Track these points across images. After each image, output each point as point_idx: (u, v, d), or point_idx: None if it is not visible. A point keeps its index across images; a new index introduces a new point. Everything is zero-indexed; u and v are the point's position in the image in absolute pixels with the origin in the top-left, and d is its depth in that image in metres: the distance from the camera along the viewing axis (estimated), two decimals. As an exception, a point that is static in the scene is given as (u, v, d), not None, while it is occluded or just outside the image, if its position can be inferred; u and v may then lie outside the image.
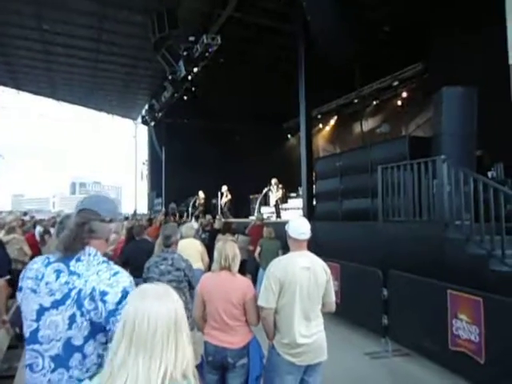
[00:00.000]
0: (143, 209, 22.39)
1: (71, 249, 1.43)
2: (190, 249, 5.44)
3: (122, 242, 6.08)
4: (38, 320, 1.39)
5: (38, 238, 8.50)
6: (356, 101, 15.64)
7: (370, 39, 11.13)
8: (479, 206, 4.76)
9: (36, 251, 6.60)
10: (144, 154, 22.83)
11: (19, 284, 1.48)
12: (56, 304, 1.39)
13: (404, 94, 13.99)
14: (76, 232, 1.44)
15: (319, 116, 17.70)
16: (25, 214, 15.65)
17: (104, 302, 1.37)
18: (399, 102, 14.31)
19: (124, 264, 4.37)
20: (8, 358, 4.40)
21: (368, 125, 15.64)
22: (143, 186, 23.20)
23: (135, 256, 4.83)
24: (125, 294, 1.39)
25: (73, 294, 1.39)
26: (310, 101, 10.14)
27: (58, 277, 1.42)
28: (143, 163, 23.17)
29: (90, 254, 1.48)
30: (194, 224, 8.64)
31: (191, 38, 11.75)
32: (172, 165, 18.34)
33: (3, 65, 16.21)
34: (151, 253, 4.55)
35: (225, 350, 2.65)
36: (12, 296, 4.25)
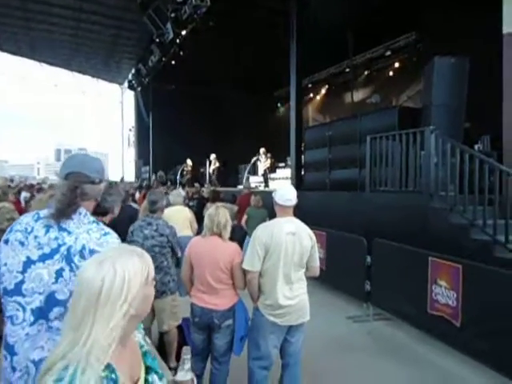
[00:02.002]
0: (130, 177, 22.17)
1: (65, 214, 1.43)
2: (179, 216, 5.45)
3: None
4: (23, 272, 1.40)
5: (23, 204, 8.38)
6: (347, 70, 15.42)
7: (364, 6, 10.84)
8: (464, 177, 4.84)
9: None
10: (131, 120, 22.37)
11: (5, 237, 1.46)
12: (43, 257, 1.40)
13: (396, 65, 13.83)
14: (69, 197, 1.44)
15: (310, 85, 17.45)
16: (11, 180, 15.35)
17: None
18: (391, 73, 14.17)
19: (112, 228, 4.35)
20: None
21: (359, 95, 15.50)
22: (130, 153, 22.89)
23: (119, 221, 4.81)
24: None
25: (62, 249, 1.40)
26: (300, 69, 9.93)
27: (47, 231, 1.43)
28: (130, 129, 22.74)
29: (80, 214, 1.48)
30: (182, 192, 8.62)
31: (179, -1, 11.27)
32: (159, 132, 18.04)
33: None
34: (134, 218, 4.54)
35: (211, 311, 2.72)
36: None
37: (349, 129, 8.01)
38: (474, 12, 8.61)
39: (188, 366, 1.32)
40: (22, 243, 1.42)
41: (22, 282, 1.39)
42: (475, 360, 3.65)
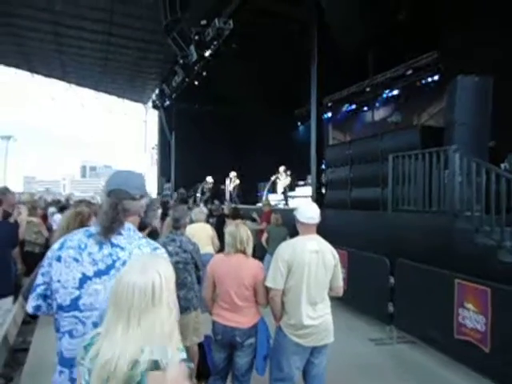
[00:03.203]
0: (153, 194, 22.55)
1: (111, 230, 1.48)
2: (201, 232, 5.51)
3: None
4: (80, 288, 1.43)
5: (50, 218, 8.63)
6: (368, 89, 15.43)
7: (385, 25, 10.92)
8: (490, 197, 4.73)
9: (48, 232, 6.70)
10: (154, 138, 22.89)
11: (56, 253, 1.49)
12: (99, 273, 1.44)
13: (417, 83, 13.75)
14: (112, 214, 1.48)
15: (330, 104, 17.51)
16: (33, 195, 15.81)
17: None
18: (412, 92, 14.08)
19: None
20: (22, 332, 4.54)
21: (379, 114, 15.45)
22: (153, 171, 23.33)
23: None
24: None
25: (117, 264, 1.45)
26: (321, 88, 10.04)
27: (100, 248, 1.47)
28: (153, 148, 23.24)
29: (129, 229, 1.53)
30: (204, 209, 8.70)
31: (203, 22, 11.62)
32: (181, 150, 18.36)
33: (16, 46, 16.26)
34: (151, 236, 4.60)
35: (233, 329, 2.71)
36: (26, 274, 4.36)
37: (370, 147, 7.98)
38: (496, 30, 8.55)
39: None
40: (76, 260, 1.46)
41: (78, 297, 1.43)
42: (506, 388, 3.49)
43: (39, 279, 1.50)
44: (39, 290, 1.49)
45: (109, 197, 1.54)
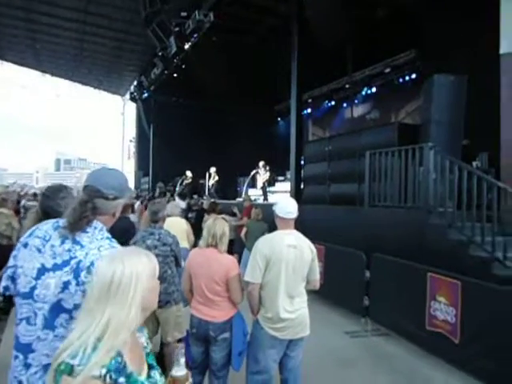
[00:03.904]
0: (133, 191, 22.18)
1: (77, 227, 1.46)
2: (175, 227, 5.43)
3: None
4: (37, 278, 1.43)
5: (22, 211, 8.39)
6: (347, 86, 15.60)
7: (365, 22, 11.04)
8: (462, 193, 4.88)
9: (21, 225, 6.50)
10: (132, 131, 22.48)
11: (24, 240, 1.51)
12: (55, 267, 1.43)
13: (395, 81, 14.00)
14: (80, 211, 1.46)
15: (310, 100, 17.63)
16: (7, 186, 15.32)
17: None
18: (390, 89, 14.32)
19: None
20: (-8, 329, 4.40)
21: (358, 111, 15.66)
22: (130, 165, 22.93)
23: (112, 233, 4.79)
24: None
25: (72, 262, 1.43)
26: (301, 84, 10.08)
27: (62, 242, 1.46)
28: (130, 141, 22.84)
29: (95, 228, 1.51)
30: (180, 203, 8.63)
31: (183, 14, 11.46)
32: (160, 143, 18.13)
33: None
34: (128, 232, 4.52)
35: (207, 323, 2.71)
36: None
37: (348, 144, 8.08)
38: (474, 31, 8.77)
39: (183, 361, 1.40)
40: (39, 250, 1.46)
41: (35, 287, 1.43)
42: (474, 377, 3.63)
43: (11, 261, 1.52)
44: (9, 271, 1.51)
45: (82, 192, 1.52)
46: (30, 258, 1.46)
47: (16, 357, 1.43)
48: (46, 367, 1.38)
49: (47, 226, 1.52)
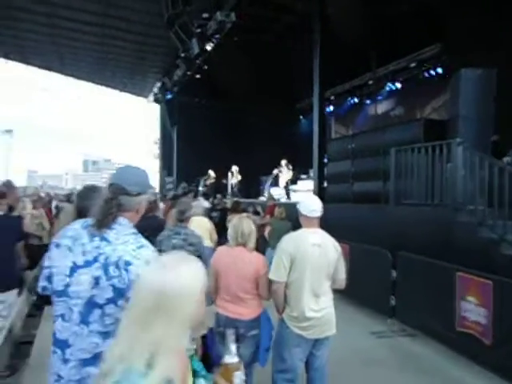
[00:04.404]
0: (155, 188, 22.56)
1: (104, 224, 1.52)
2: (199, 226, 5.50)
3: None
4: (70, 276, 1.50)
5: (54, 212, 8.68)
6: (370, 82, 15.34)
7: (388, 17, 10.83)
8: (493, 190, 4.72)
9: (52, 226, 6.73)
10: (156, 132, 22.86)
11: (57, 241, 1.58)
12: (86, 264, 1.49)
13: (420, 76, 13.67)
14: (106, 208, 1.52)
15: (332, 97, 17.44)
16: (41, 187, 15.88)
17: (127, 271, 1.47)
18: (415, 85, 14.00)
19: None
20: (27, 325, 4.58)
21: (382, 107, 15.38)
22: (155, 165, 23.33)
23: (142, 232, 4.89)
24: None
25: (101, 258, 1.48)
26: (323, 82, 10.00)
27: (91, 240, 1.52)
28: (155, 142, 23.22)
29: (121, 224, 1.56)
30: (204, 202, 8.71)
31: (205, 15, 11.55)
32: (183, 144, 18.36)
33: (11, 38, 16.17)
34: (160, 230, 4.60)
35: (236, 321, 2.74)
36: (30, 268, 4.38)
37: (372, 141, 7.97)
38: (501, 23, 8.48)
39: (234, 348, 1.42)
40: (70, 249, 1.53)
41: (68, 284, 1.50)
42: (506, 380, 3.52)
43: (46, 262, 1.61)
44: (46, 271, 1.60)
45: (107, 190, 1.57)
46: (63, 258, 1.53)
47: (54, 352, 1.50)
48: (81, 361, 1.45)
49: (77, 225, 1.59)
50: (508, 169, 4.73)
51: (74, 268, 1.50)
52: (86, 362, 1.45)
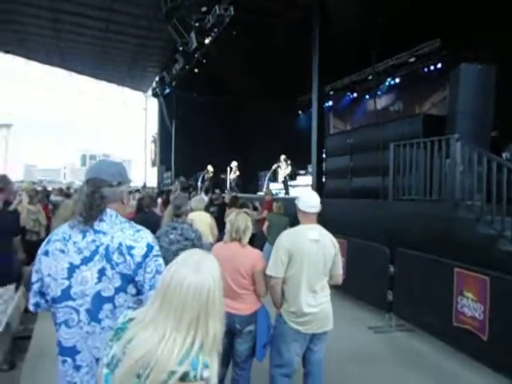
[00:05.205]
0: (153, 182, 22.54)
1: (91, 217, 1.50)
2: (200, 222, 5.48)
3: (131, 214, 6.14)
4: (69, 278, 1.47)
5: (51, 207, 8.65)
6: (370, 77, 15.28)
7: (388, 11, 10.76)
8: (491, 186, 4.71)
9: (49, 221, 6.71)
10: (154, 127, 22.78)
11: (44, 248, 1.54)
12: (85, 261, 1.47)
13: (420, 71, 13.62)
14: (89, 202, 1.50)
15: (331, 92, 17.38)
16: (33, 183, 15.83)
17: (131, 255, 1.47)
18: (414, 80, 13.95)
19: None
20: (24, 320, 4.57)
21: (381, 102, 15.32)
22: (153, 160, 23.27)
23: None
24: (150, 248, 1.51)
25: (101, 249, 1.47)
26: (322, 76, 9.94)
27: (84, 236, 1.50)
28: (153, 136, 23.15)
29: (111, 216, 1.55)
30: (205, 197, 8.70)
31: (203, 9, 11.49)
32: (181, 138, 18.31)
33: (12, 33, 16.06)
34: (157, 225, 4.59)
35: (232, 316, 2.73)
36: (27, 263, 4.38)
37: (371, 136, 7.95)
38: (500, 18, 8.44)
39: None
40: (62, 251, 1.50)
41: (69, 287, 1.47)
42: (502, 375, 3.53)
43: (34, 276, 1.55)
44: (35, 287, 1.55)
45: (86, 186, 1.56)
46: (56, 263, 1.49)
47: (64, 361, 1.47)
48: (98, 361, 1.41)
49: (62, 229, 1.57)
50: (506, 164, 4.73)
51: (72, 268, 1.47)
52: (100, 361, 1.43)
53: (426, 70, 13.33)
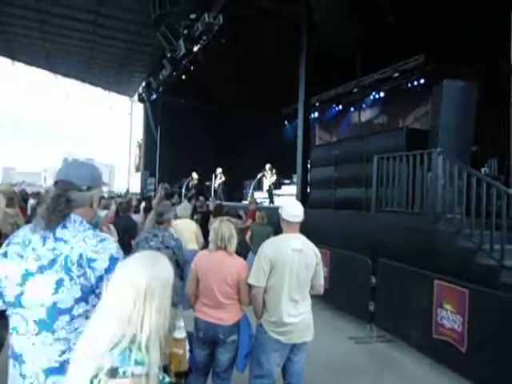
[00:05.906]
0: (136, 188, 22.26)
1: (52, 221, 1.42)
2: (185, 229, 5.45)
3: (110, 218, 6.04)
4: (22, 284, 1.38)
5: (29, 211, 8.43)
6: (355, 90, 15.55)
7: (374, 26, 11.00)
8: (471, 200, 4.82)
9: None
10: (139, 132, 22.57)
11: (3, 250, 1.46)
12: (42, 269, 1.38)
13: (404, 86, 13.94)
14: (53, 205, 1.43)
15: (317, 104, 17.60)
16: (13, 185, 15.41)
17: (92, 268, 1.39)
18: (398, 94, 14.27)
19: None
20: (-3, 326, 4.42)
21: (366, 115, 15.59)
22: (137, 165, 23.01)
23: (123, 233, 4.82)
24: (112, 261, 1.42)
25: (59, 259, 1.39)
26: (309, 88, 10.06)
27: (44, 243, 1.41)
28: (138, 142, 22.93)
29: (75, 221, 1.47)
30: (189, 205, 8.63)
31: (192, 16, 11.51)
32: (167, 144, 18.18)
33: (-1, 33, 15.79)
34: (132, 230, 4.53)
35: (216, 326, 2.70)
36: None
37: (356, 148, 8.04)
38: (484, 36, 8.71)
39: (182, 324, 1.57)
40: (20, 256, 1.41)
41: (21, 293, 1.38)
42: (480, 387, 3.57)
43: None
44: None
45: (54, 188, 1.49)
46: (13, 267, 1.41)
47: (14, 365, 1.41)
48: (46, 371, 1.36)
49: (24, 231, 1.49)
50: (485, 179, 4.84)
51: (26, 275, 1.38)
52: (53, 371, 1.36)
53: (409, 85, 13.66)
